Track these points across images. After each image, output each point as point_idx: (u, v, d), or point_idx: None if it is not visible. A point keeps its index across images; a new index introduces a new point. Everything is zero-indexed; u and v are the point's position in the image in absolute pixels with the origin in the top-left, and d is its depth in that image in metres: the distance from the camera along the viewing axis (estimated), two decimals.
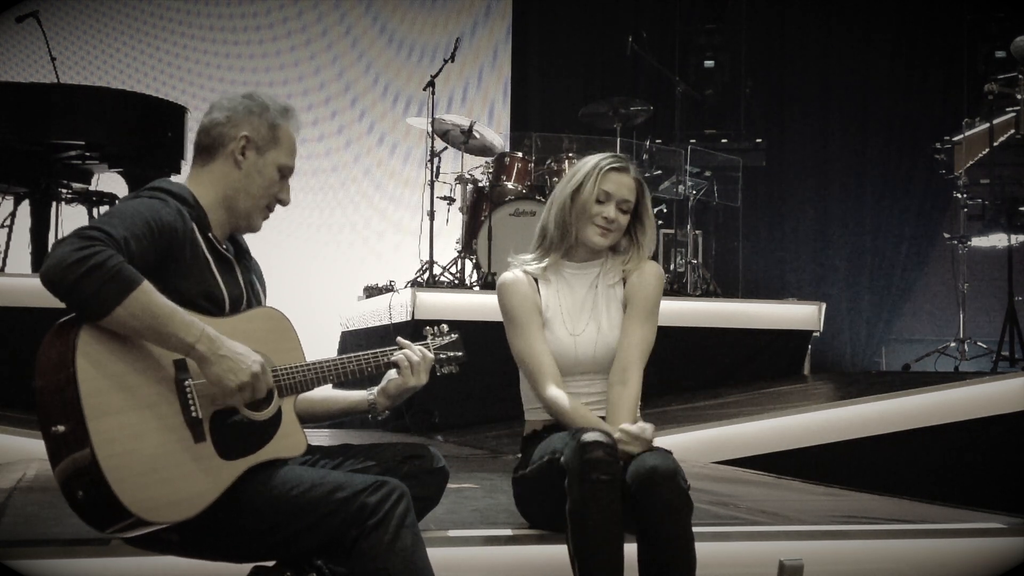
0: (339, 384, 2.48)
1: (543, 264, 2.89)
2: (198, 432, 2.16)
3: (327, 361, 2.41)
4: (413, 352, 2.50)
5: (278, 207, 2.46)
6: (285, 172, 2.43)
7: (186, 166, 6.79)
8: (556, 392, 2.78)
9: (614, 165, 2.85)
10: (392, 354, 2.50)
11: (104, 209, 6.70)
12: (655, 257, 7.98)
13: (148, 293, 2.07)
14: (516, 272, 2.90)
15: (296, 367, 2.34)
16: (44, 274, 2.02)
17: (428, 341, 2.59)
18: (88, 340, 2.05)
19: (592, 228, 2.83)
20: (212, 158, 2.39)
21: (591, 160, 2.88)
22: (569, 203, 2.85)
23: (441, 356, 2.58)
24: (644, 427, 2.62)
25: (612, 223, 2.83)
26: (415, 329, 5.97)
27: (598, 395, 2.85)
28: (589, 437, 2.49)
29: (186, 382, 2.16)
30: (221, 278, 2.31)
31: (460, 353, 2.62)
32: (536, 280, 2.88)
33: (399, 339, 2.54)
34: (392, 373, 2.51)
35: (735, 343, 6.95)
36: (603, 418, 2.78)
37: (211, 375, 2.14)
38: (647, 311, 2.86)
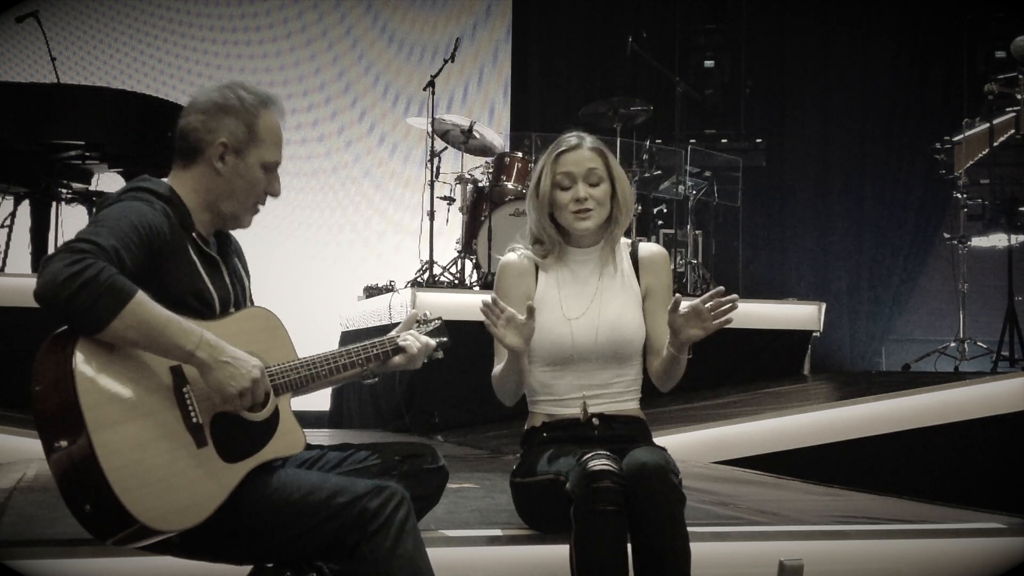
0: (334, 381, 2.49)
1: (545, 250, 2.84)
2: (200, 437, 2.15)
3: (319, 357, 2.42)
4: (419, 340, 2.59)
5: (273, 200, 2.43)
6: (270, 167, 2.38)
7: None
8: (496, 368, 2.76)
9: (562, 148, 2.80)
10: (399, 340, 2.56)
11: None
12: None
13: (143, 304, 2.04)
14: (516, 255, 2.86)
15: (290, 365, 2.34)
16: (38, 292, 2.00)
17: (416, 330, 2.66)
18: (84, 353, 2.04)
19: (568, 216, 2.77)
20: (192, 162, 2.34)
21: (545, 153, 2.83)
22: (535, 201, 2.81)
23: (433, 342, 2.67)
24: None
25: (585, 201, 2.75)
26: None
27: (601, 386, 2.77)
28: (596, 466, 2.43)
29: (184, 388, 2.15)
30: (208, 279, 2.30)
31: (445, 339, 2.71)
32: (537, 266, 2.84)
33: (394, 332, 2.61)
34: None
35: (735, 343, 6.94)
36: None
37: (212, 382, 2.13)
38: (669, 297, 2.77)
